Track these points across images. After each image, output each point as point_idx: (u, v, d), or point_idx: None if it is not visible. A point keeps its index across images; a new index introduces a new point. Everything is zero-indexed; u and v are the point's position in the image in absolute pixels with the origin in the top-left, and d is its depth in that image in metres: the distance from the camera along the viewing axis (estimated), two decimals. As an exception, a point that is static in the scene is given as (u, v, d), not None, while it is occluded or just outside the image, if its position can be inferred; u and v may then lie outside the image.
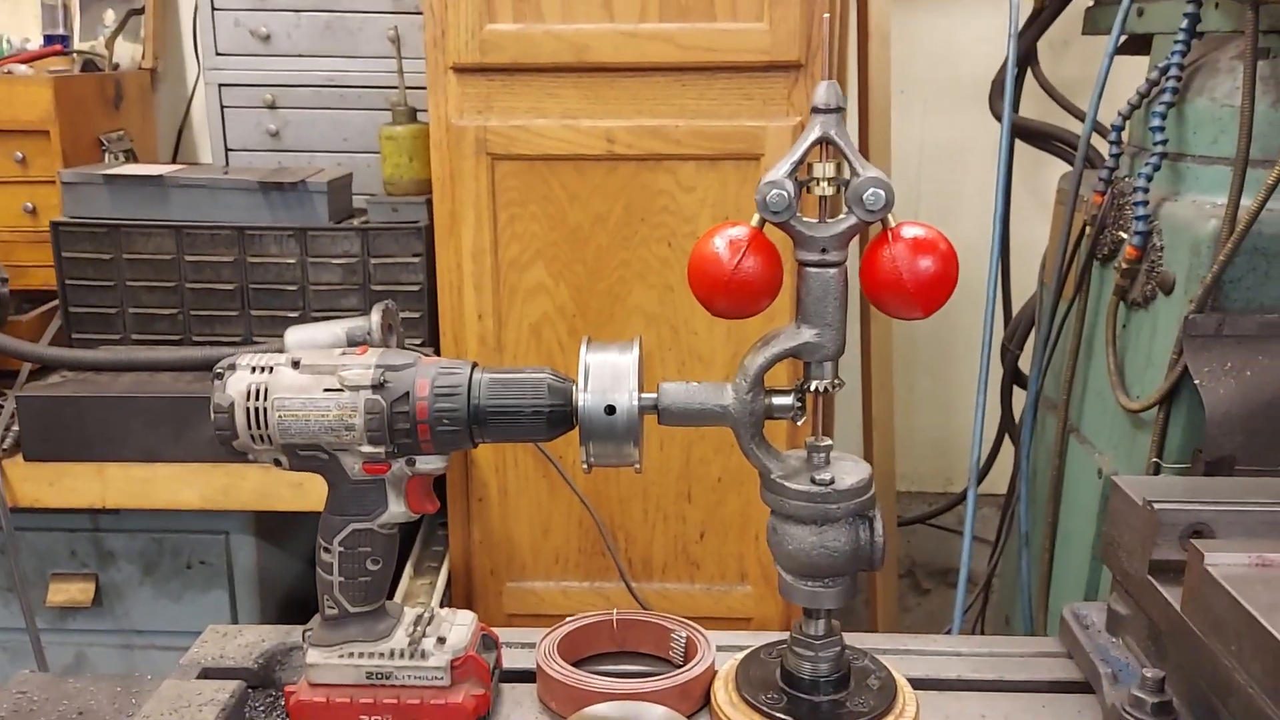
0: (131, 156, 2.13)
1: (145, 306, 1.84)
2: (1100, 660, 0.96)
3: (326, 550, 0.91)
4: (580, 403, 0.85)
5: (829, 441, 0.89)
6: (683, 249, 1.71)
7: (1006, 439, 2.18)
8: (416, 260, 1.83)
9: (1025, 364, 2.05)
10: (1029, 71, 2.10)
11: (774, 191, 0.81)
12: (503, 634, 1.02)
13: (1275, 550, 0.86)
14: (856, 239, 0.86)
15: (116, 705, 0.96)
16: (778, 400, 0.87)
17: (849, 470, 0.88)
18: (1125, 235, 1.48)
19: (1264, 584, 0.81)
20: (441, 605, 1.52)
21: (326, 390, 0.87)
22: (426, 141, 1.81)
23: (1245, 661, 0.79)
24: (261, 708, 1.00)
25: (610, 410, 0.84)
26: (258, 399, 0.87)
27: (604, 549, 1.82)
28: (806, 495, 0.86)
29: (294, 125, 2.12)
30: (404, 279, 1.84)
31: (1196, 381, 1.32)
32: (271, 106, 2.10)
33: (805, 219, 0.84)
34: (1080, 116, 2.06)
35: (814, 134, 0.82)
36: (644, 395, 0.86)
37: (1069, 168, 1.97)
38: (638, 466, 0.87)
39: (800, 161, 0.82)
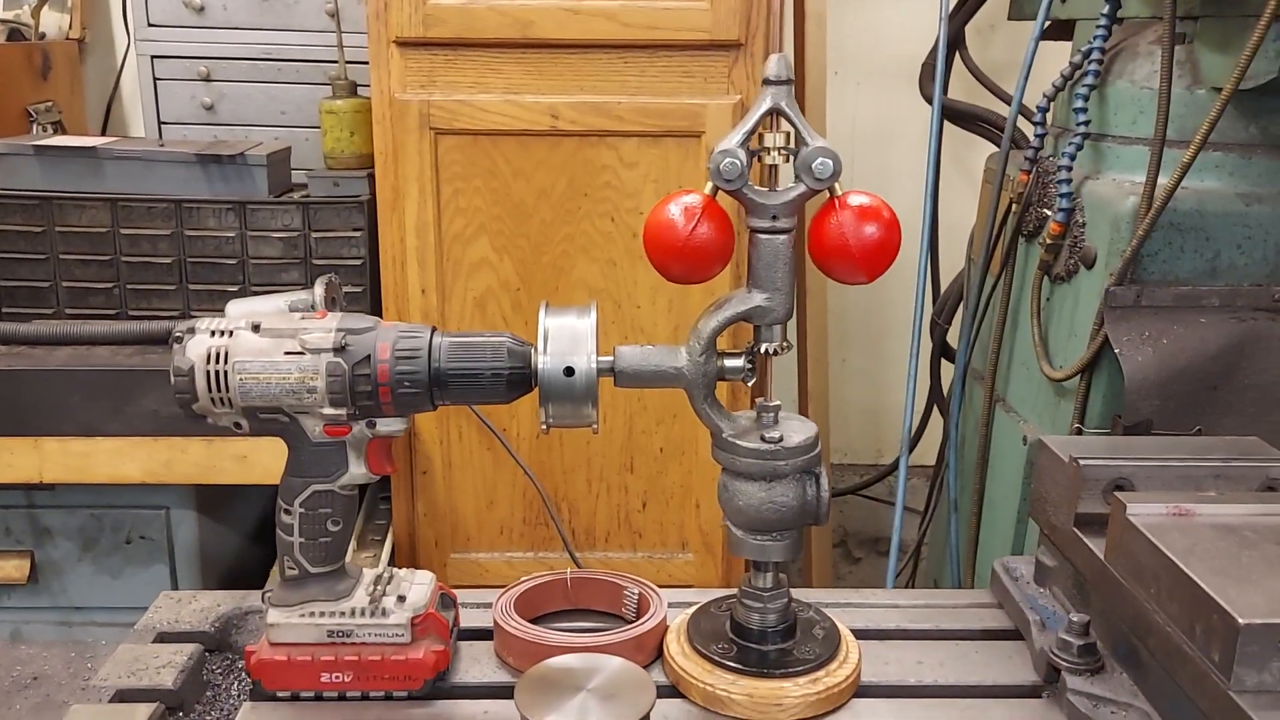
0: (59, 128, 2.09)
1: (79, 280, 1.81)
2: (1029, 609, 1.02)
3: (287, 512, 0.92)
4: (540, 365, 0.87)
5: (778, 402, 0.92)
6: (625, 224, 1.73)
7: (935, 411, 2.25)
8: (358, 235, 1.83)
9: (953, 338, 2.12)
10: (956, 55, 2.16)
11: (727, 160, 0.85)
12: (458, 594, 1.05)
13: (1191, 502, 0.92)
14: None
15: (71, 670, 0.97)
16: (729, 362, 0.91)
17: (796, 429, 0.92)
18: (1049, 212, 1.54)
19: (1180, 531, 0.87)
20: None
21: (287, 353, 0.88)
22: (368, 116, 1.81)
23: (1164, 603, 0.85)
24: (219, 670, 1.01)
25: (569, 372, 0.87)
26: (218, 362, 0.88)
27: (548, 519, 1.85)
28: (756, 453, 0.90)
29: (229, 99, 2.10)
30: (345, 253, 1.84)
31: (1116, 350, 1.38)
32: (206, 79, 2.08)
33: (756, 187, 0.87)
34: (1005, 99, 2.13)
35: (765, 105, 0.85)
36: (601, 358, 0.89)
37: (995, 148, 2.03)
38: (595, 427, 0.90)
39: (752, 131, 0.86)
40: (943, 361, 2.17)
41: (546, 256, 1.75)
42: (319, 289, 1.32)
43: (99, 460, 1.61)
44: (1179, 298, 1.40)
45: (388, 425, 0.91)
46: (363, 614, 0.92)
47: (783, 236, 0.87)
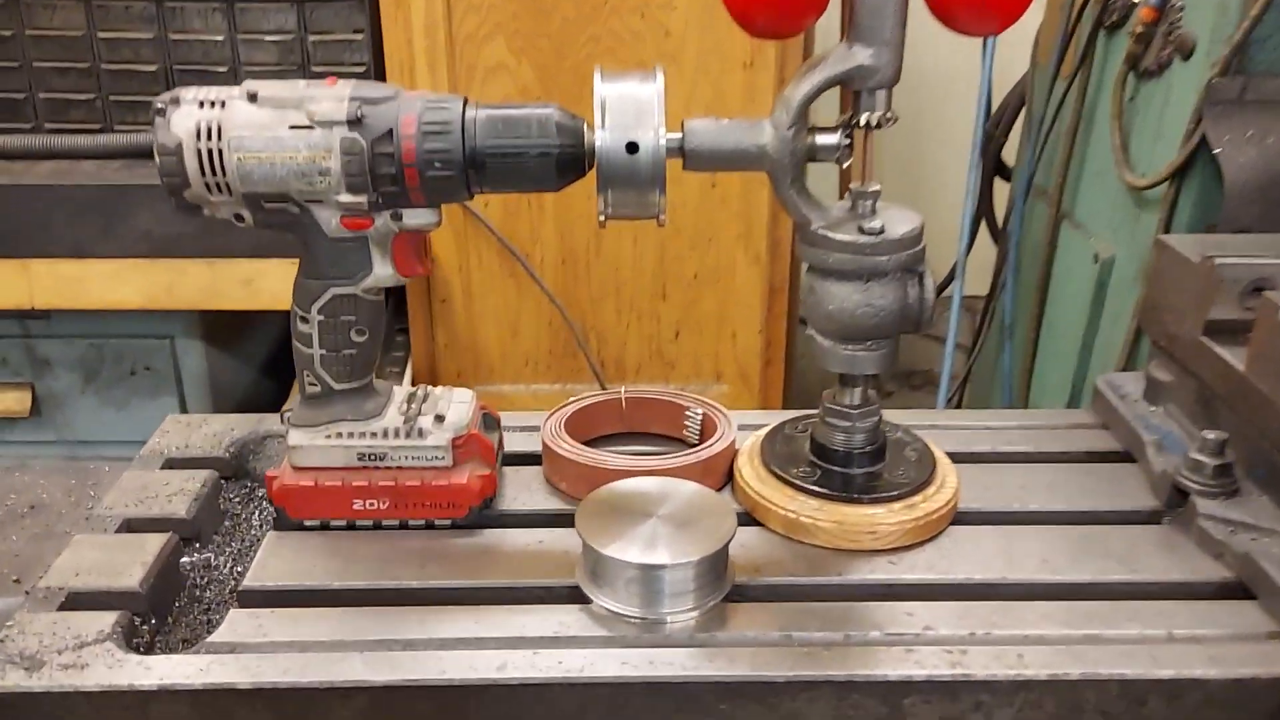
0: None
1: (57, 91, 1.64)
2: (1143, 429, 0.91)
3: (304, 319, 0.79)
4: (598, 142, 0.73)
5: (877, 186, 0.78)
6: (656, 21, 1.56)
7: (982, 238, 2.11)
8: (359, 37, 1.66)
9: (1008, 155, 1.97)
10: None
11: (830, -122, 0.68)
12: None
13: (1349, 301, 0.79)
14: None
15: (73, 498, 0.87)
16: (822, 139, 0.76)
17: (898, 219, 0.78)
18: (1140, -2, 1.37)
19: (1346, 333, 0.75)
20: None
21: (293, 127, 0.74)
22: (366, -100, 1.61)
23: (1326, 413, 0.73)
24: (237, 499, 0.90)
25: (633, 149, 0.73)
26: (210, 139, 0.74)
27: (575, 350, 1.73)
28: (853, 247, 0.76)
29: (207, -113, 1.87)
30: (347, 59, 1.66)
31: (1216, 150, 1.24)
32: None
33: (861, -83, 0.71)
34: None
35: None
36: (669, 134, 0.75)
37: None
38: (662, 218, 0.76)
39: None
40: (995, 181, 2.02)
41: (569, 60, 1.58)
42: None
43: (92, 284, 1.48)
44: (1290, 91, 1.25)
45: (416, 217, 0.77)
46: (397, 435, 0.81)
47: (892, -22, 0.72)
